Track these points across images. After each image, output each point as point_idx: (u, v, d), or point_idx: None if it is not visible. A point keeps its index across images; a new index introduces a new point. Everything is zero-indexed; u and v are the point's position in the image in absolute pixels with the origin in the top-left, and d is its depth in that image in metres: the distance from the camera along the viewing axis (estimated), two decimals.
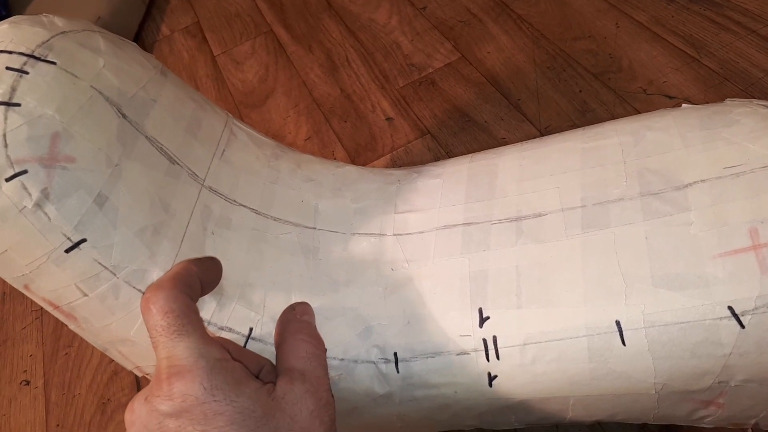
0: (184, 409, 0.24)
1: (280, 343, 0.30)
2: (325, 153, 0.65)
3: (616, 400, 0.33)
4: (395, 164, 0.62)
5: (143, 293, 0.33)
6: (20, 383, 0.57)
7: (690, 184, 0.33)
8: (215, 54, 0.84)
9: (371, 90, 0.70)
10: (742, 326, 0.29)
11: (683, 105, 0.38)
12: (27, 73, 0.31)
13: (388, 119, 0.66)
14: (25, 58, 0.32)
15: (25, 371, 0.58)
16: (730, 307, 0.29)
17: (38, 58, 0.32)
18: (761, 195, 0.31)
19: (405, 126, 0.65)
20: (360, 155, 0.64)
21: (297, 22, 0.84)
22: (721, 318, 0.30)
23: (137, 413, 0.25)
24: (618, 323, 0.31)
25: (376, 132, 0.66)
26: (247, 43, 0.84)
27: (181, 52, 0.87)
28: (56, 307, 0.35)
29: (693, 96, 0.57)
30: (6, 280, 0.34)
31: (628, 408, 0.33)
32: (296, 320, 0.32)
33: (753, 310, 0.29)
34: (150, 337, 0.26)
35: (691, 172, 0.34)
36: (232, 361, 0.26)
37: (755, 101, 0.37)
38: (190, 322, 0.26)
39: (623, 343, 0.31)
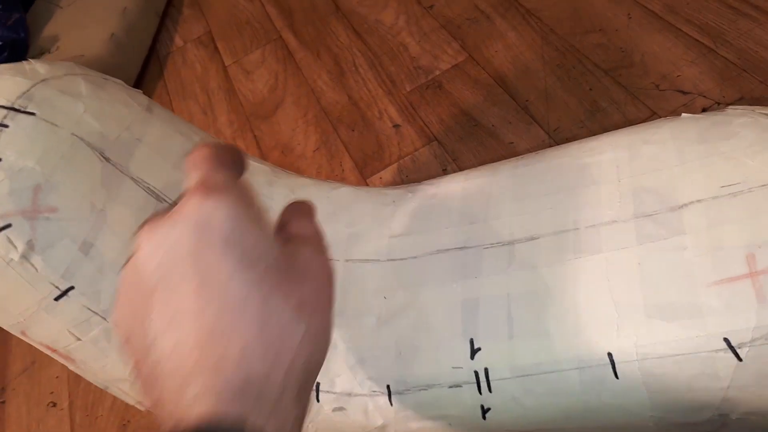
0: (209, 226, 0.22)
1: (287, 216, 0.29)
2: (332, 164, 0.65)
3: None
4: (402, 174, 0.61)
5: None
6: (47, 405, 0.59)
7: (685, 205, 0.32)
8: (227, 64, 0.84)
9: (378, 96, 0.69)
10: (740, 359, 0.28)
11: (682, 115, 0.37)
12: (7, 126, 0.32)
13: (395, 126, 0.65)
14: (5, 111, 0.32)
15: (52, 393, 0.60)
16: (726, 339, 0.28)
17: (18, 110, 0.33)
18: (759, 217, 0.29)
19: (412, 133, 0.64)
20: (367, 165, 0.63)
21: (305, 27, 0.83)
22: (716, 350, 0.28)
23: (153, 232, 0.22)
24: (610, 355, 0.30)
25: (383, 140, 0.65)
26: (257, 52, 0.84)
27: (193, 64, 0.87)
28: (54, 351, 0.35)
29: (708, 90, 0.55)
30: (3, 327, 0.35)
31: None
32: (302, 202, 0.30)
33: (750, 342, 0.28)
34: (184, 189, 0.23)
35: (687, 191, 0.32)
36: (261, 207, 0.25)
37: (758, 109, 0.34)
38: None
39: (616, 376, 0.30)
